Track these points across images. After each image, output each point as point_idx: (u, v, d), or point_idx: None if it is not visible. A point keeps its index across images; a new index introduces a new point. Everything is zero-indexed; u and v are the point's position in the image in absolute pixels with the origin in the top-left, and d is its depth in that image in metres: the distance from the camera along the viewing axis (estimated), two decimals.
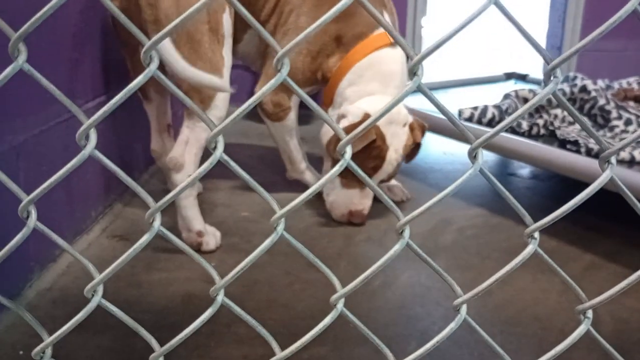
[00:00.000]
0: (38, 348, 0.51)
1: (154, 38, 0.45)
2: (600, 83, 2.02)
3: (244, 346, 1.06)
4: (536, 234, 0.48)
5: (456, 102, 2.00)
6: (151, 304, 1.19)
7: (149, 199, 0.48)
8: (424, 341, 0.54)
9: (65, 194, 1.38)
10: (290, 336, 1.06)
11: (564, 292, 1.27)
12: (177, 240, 0.50)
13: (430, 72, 2.29)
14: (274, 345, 0.52)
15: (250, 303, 1.21)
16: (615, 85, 2.10)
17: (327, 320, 0.50)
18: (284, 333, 1.11)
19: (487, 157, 2.22)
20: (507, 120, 0.46)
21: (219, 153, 0.47)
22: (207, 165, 0.47)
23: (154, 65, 0.45)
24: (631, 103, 1.97)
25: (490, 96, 2.18)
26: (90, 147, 0.46)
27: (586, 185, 0.50)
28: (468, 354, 1.05)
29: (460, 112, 1.92)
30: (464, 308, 0.51)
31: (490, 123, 1.87)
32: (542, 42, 3.03)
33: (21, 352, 1.02)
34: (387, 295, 1.26)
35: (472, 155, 0.47)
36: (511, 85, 2.58)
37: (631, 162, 1.53)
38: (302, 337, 0.52)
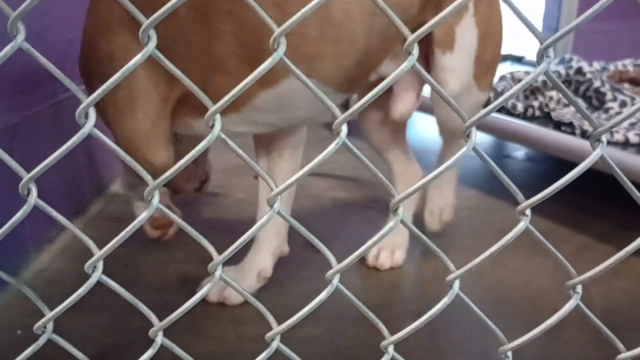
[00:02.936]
0: (40, 322, 0.52)
1: (152, 17, 0.46)
2: (596, 65, 2.03)
3: (240, 326, 1.07)
4: (527, 211, 0.49)
5: None
6: (147, 284, 1.20)
7: (147, 177, 0.49)
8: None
9: (60, 175, 1.38)
10: (286, 316, 1.06)
11: (556, 274, 1.28)
12: (176, 218, 0.50)
13: None
14: (271, 319, 0.54)
15: None
16: (611, 67, 2.11)
17: (323, 295, 0.51)
18: (280, 313, 1.12)
19: (482, 139, 2.23)
20: (500, 99, 0.47)
21: (216, 131, 0.47)
22: (205, 142, 0.47)
23: (152, 44, 0.46)
24: (626, 85, 1.98)
25: None
26: (89, 124, 0.47)
27: None
28: (460, 333, 1.06)
29: None
30: (456, 283, 0.52)
31: (486, 105, 1.87)
32: (539, 24, 3.02)
33: (19, 332, 1.03)
34: (382, 276, 1.27)
35: (466, 134, 0.48)
36: (507, 67, 2.58)
37: (625, 144, 1.55)
38: None
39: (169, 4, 0.44)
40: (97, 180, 1.62)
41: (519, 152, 2.12)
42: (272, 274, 1.26)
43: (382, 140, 1.36)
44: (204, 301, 0.50)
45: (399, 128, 1.36)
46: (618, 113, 1.77)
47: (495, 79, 2.03)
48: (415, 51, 0.48)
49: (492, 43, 1.16)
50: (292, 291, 1.19)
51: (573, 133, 1.60)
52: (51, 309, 0.54)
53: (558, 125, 1.67)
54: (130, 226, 0.47)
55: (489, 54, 1.17)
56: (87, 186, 1.55)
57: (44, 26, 1.29)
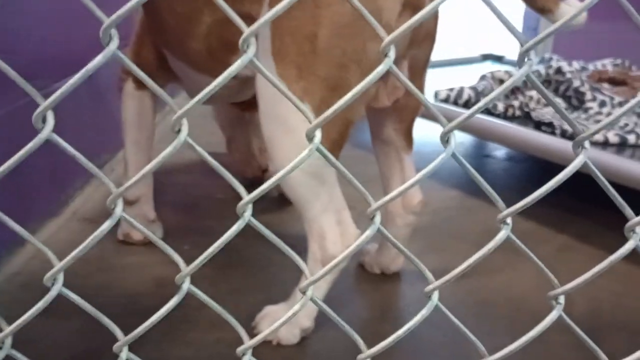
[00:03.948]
0: None
1: (113, 17, 0.43)
2: (576, 65, 2.03)
3: (217, 330, 1.05)
4: (509, 220, 0.47)
5: (432, 83, 1.99)
6: (122, 288, 1.17)
7: (110, 184, 0.46)
8: (397, 324, 0.53)
9: (32, 177, 1.35)
10: None
11: (538, 274, 1.27)
12: (141, 228, 0.48)
13: None
14: (242, 333, 0.51)
15: (224, 286, 1.20)
16: (590, 67, 2.11)
17: (297, 307, 0.49)
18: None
19: (462, 138, 2.22)
20: (479, 104, 0.45)
21: (183, 136, 0.45)
22: (170, 149, 0.45)
23: (113, 44, 0.43)
24: (605, 85, 1.98)
25: (466, 77, 2.18)
26: (47, 130, 0.44)
27: (561, 166, 0.49)
28: (441, 336, 1.05)
29: (436, 94, 1.92)
30: (435, 294, 0.50)
31: (466, 104, 1.87)
32: (519, 23, 3.03)
33: None
34: (360, 279, 1.25)
35: (445, 140, 0.46)
36: (488, 67, 2.58)
37: (605, 144, 1.54)
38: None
39: (129, 4, 0.42)
40: (71, 181, 1.58)
41: (500, 151, 2.11)
42: (251, 277, 1.24)
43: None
44: (180, 306, 0.48)
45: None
46: (597, 113, 1.77)
47: (476, 79, 2.03)
48: (392, 53, 0.47)
49: (299, 40, 0.89)
50: (272, 293, 1.17)
51: (553, 133, 1.60)
52: (24, 313, 0.52)
53: (538, 125, 1.67)
54: (92, 237, 0.45)
55: (292, 51, 0.90)
56: (60, 187, 1.51)
57: (15, 25, 1.25)
